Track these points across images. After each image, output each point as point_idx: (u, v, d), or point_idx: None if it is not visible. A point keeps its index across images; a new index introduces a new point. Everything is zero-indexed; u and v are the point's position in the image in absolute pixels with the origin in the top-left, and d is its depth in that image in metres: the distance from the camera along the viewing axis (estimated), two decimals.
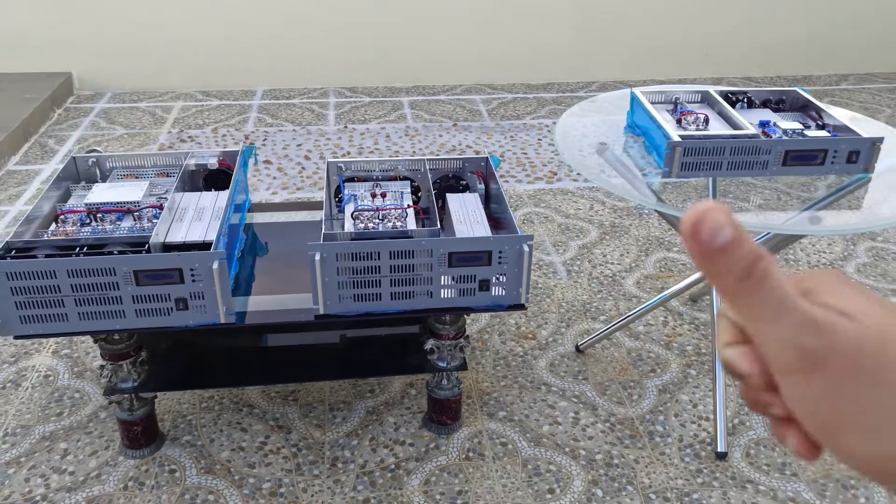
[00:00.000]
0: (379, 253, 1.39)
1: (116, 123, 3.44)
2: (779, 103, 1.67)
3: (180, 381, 1.59)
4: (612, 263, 2.36)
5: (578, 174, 2.97)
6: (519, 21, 3.94)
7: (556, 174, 2.97)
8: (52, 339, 1.96)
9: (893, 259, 2.41)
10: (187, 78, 3.86)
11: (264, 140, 3.27)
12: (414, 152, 3.15)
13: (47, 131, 3.36)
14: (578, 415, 1.74)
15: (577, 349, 1.95)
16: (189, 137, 3.29)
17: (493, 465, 1.60)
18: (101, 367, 1.51)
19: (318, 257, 1.36)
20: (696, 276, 1.90)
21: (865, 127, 1.52)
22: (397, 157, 3.08)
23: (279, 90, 3.89)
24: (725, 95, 1.67)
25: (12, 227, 2.49)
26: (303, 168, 3.00)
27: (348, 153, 3.14)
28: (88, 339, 1.97)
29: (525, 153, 3.17)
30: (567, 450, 1.64)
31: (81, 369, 1.87)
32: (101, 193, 1.58)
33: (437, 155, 3.13)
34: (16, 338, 1.38)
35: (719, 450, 1.62)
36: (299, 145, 3.22)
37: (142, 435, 1.60)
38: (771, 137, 1.47)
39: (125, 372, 1.52)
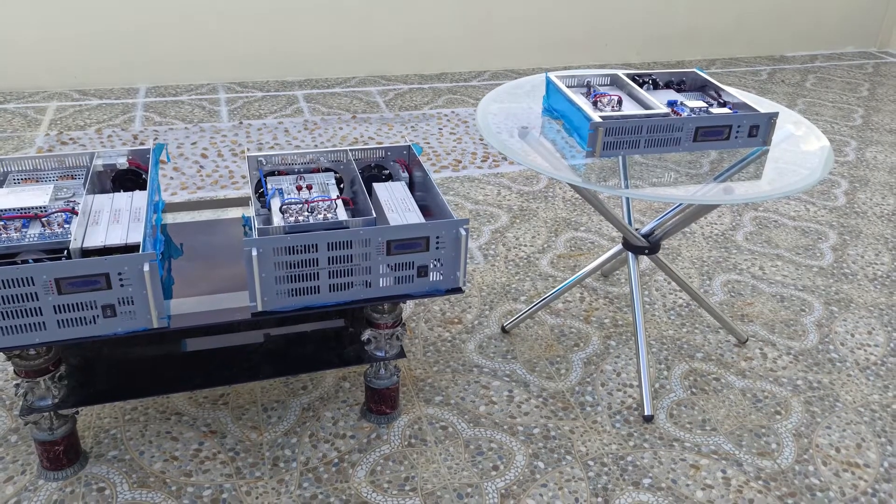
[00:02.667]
0: (317, 245, 1.37)
1: None
2: (680, 84, 1.78)
3: (104, 393, 1.50)
4: (525, 246, 2.43)
5: (483, 161, 3.03)
6: (406, 12, 3.95)
7: (460, 162, 3.02)
8: None
9: (775, 227, 2.62)
10: (59, 76, 3.60)
11: (155, 139, 3.11)
12: (316, 146, 3.10)
13: None
14: (512, 393, 1.79)
15: (503, 330, 2.00)
16: (71, 139, 3.08)
17: (437, 449, 1.62)
18: (16, 385, 1.40)
19: (255, 253, 1.32)
20: (607, 254, 1.99)
21: (759, 103, 1.65)
22: (299, 150, 3.02)
23: (164, 87, 3.71)
24: (633, 78, 1.76)
25: None
26: (201, 167, 2.89)
27: (248, 149, 3.05)
28: None
29: (428, 143, 3.19)
30: (505, 427, 1.69)
31: None
32: (1, 199, 1.46)
33: (337, 147, 3.09)
34: None
35: (646, 413, 1.71)
36: (194, 143, 3.09)
37: (64, 455, 1.50)
38: (681, 116, 1.56)
39: (43, 389, 1.42)
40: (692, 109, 1.59)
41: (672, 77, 1.79)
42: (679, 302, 2.17)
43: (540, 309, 2.06)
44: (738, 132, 1.54)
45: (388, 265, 1.44)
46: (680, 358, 1.93)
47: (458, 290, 1.50)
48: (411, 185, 1.75)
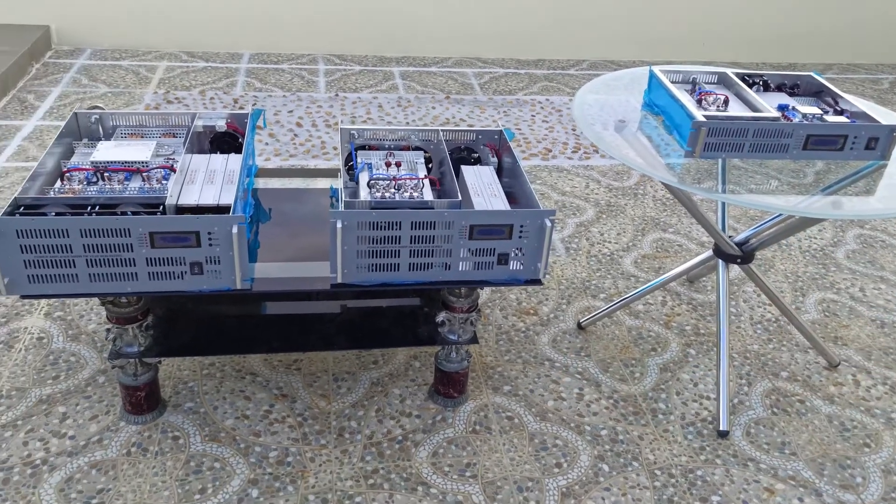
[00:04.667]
0: (400, 223, 1.36)
1: (99, 81, 3.33)
2: (794, 88, 1.68)
3: (186, 346, 1.55)
4: (610, 242, 2.37)
5: (573, 152, 2.97)
6: None
7: (550, 151, 2.97)
8: (43, 301, 1.90)
9: (881, 247, 2.46)
10: (171, 37, 3.74)
11: (254, 105, 3.20)
12: (407, 123, 3.11)
13: (26, 86, 3.23)
14: (582, 391, 1.75)
15: (579, 326, 1.96)
16: (176, 98, 3.20)
17: (501, 439, 1.60)
18: (107, 330, 1.47)
19: (339, 225, 1.33)
20: (696, 259, 1.92)
21: (880, 114, 1.53)
22: (391, 127, 3.04)
23: (267, 54, 3.80)
24: (742, 77, 1.67)
25: (1, 181, 2.41)
26: (295, 135, 2.95)
27: (340, 122, 3.09)
28: (82, 302, 1.92)
29: (519, 129, 3.15)
30: (572, 425, 1.65)
31: (76, 332, 1.82)
32: (108, 152, 1.52)
33: (428, 126, 3.09)
34: (22, 297, 1.33)
35: (721, 428, 1.64)
36: (290, 112, 3.16)
37: (145, 400, 1.56)
38: (791, 121, 1.47)
39: (130, 336, 1.48)
40: (805, 115, 1.50)
41: (786, 80, 1.69)
42: (768, 316, 2.07)
43: (619, 308, 2.00)
44: (854, 143, 1.44)
45: (469, 250, 1.42)
46: (763, 375, 1.85)
47: (538, 282, 1.47)
48: (500, 171, 1.72)
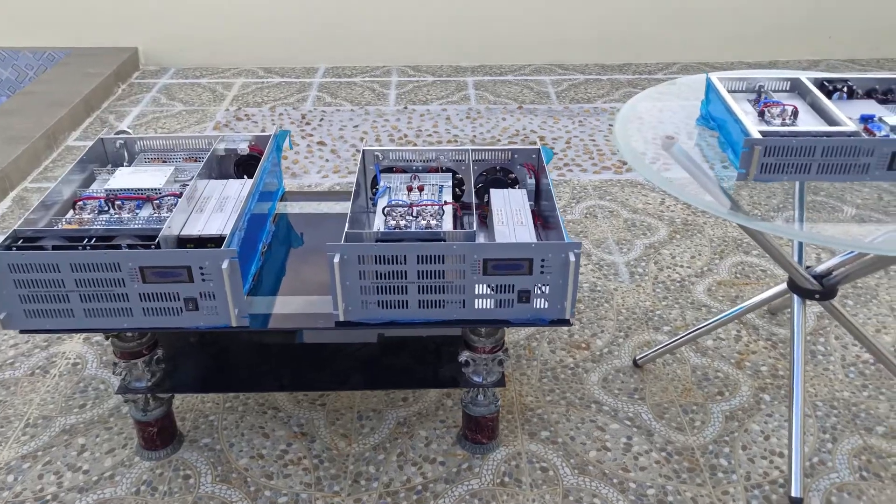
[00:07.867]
0: (405, 257, 1.23)
1: (176, 100, 3.41)
2: (887, 94, 1.42)
3: (198, 382, 1.49)
4: (682, 266, 2.14)
5: (651, 164, 2.73)
6: None
7: (625, 163, 2.75)
8: None
9: None
10: (250, 54, 3.79)
11: (321, 120, 3.16)
12: (474, 136, 2.97)
13: (110, 106, 3.35)
14: (631, 440, 1.56)
15: (635, 363, 1.76)
16: (246, 115, 3.21)
17: (530, 494, 1.44)
18: (114, 364, 1.42)
19: (337, 259, 1.22)
20: (779, 287, 1.67)
21: None
22: (456, 140, 2.92)
23: (341, 68, 3.77)
24: (820, 84, 1.43)
25: None
26: (357, 150, 2.88)
27: (405, 136, 3.00)
28: None
29: (593, 140, 2.94)
30: (615, 481, 1.46)
31: (110, 358, 1.80)
32: (123, 178, 1.48)
33: (498, 140, 2.94)
34: (21, 332, 1.30)
35: (793, 494, 1.40)
36: (356, 126, 3.10)
37: (157, 436, 1.51)
38: (875, 135, 1.23)
39: (139, 371, 1.43)
40: (892, 128, 1.25)
41: (877, 84, 1.43)
42: (864, 357, 1.78)
43: (684, 344, 1.78)
44: None
45: (487, 286, 1.27)
46: (853, 429, 1.58)
47: (566, 322, 1.30)
48: (538, 194, 1.56)
